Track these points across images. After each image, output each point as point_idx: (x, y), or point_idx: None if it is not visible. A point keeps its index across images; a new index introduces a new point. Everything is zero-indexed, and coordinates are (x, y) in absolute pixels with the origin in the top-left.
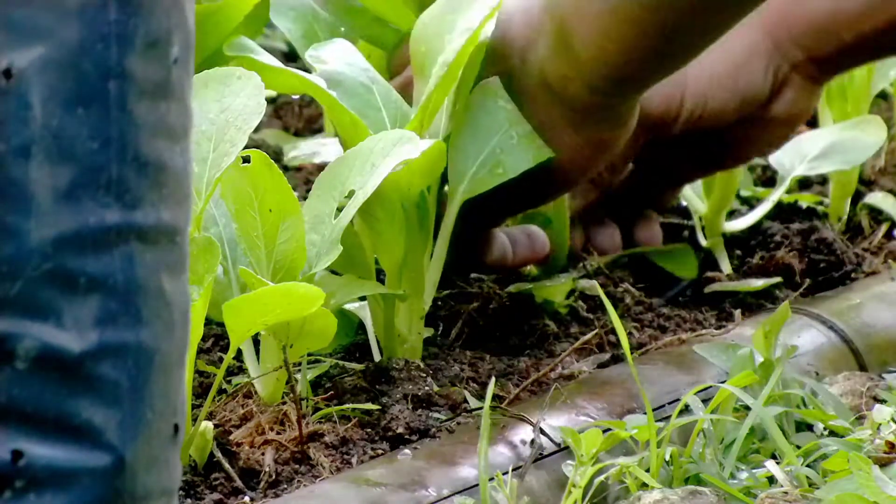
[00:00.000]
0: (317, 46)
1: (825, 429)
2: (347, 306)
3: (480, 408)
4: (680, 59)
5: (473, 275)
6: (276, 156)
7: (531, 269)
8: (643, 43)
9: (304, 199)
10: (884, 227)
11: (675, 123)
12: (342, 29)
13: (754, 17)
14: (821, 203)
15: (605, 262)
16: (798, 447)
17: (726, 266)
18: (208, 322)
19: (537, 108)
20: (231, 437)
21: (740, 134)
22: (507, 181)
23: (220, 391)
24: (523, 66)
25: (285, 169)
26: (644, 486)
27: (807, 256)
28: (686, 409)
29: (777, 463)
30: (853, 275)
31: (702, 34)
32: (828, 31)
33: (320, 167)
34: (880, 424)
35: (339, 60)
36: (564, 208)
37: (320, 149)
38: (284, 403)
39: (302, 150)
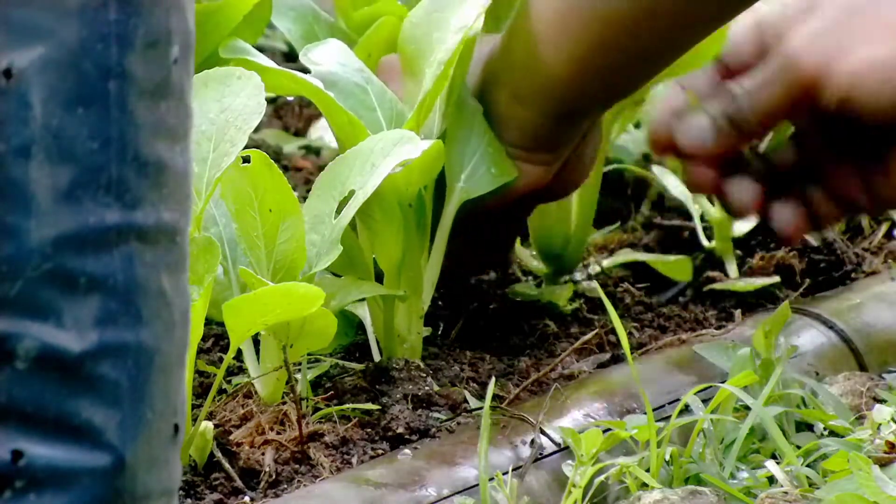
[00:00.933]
0: (310, 47)
1: (825, 429)
2: (347, 306)
3: (480, 408)
4: (632, 82)
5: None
6: (276, 156)
7: (538, 267)
8: (589, 60)
9: (304, 199)
10: (884, 227)
11: (823, 93)
12: (343, 29)
13: None
14: None
15: (609, 266)
16: (798, 447)
17: (734, 270)
18: (208, 322)
19: (499, 134)
20: (231, 437)
21: None
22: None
23: (220, 391)
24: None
25: (285, 169)
26: (644, 486)
27: (807, 256)
28: (686, 409)
29: (777, 463)
30: (853, 275)
31: (649, 60)
32: None
33: (320, 167)
34: (880, 424)
35: (332, 61)
36: (589, 208)
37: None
38: (284, 403)
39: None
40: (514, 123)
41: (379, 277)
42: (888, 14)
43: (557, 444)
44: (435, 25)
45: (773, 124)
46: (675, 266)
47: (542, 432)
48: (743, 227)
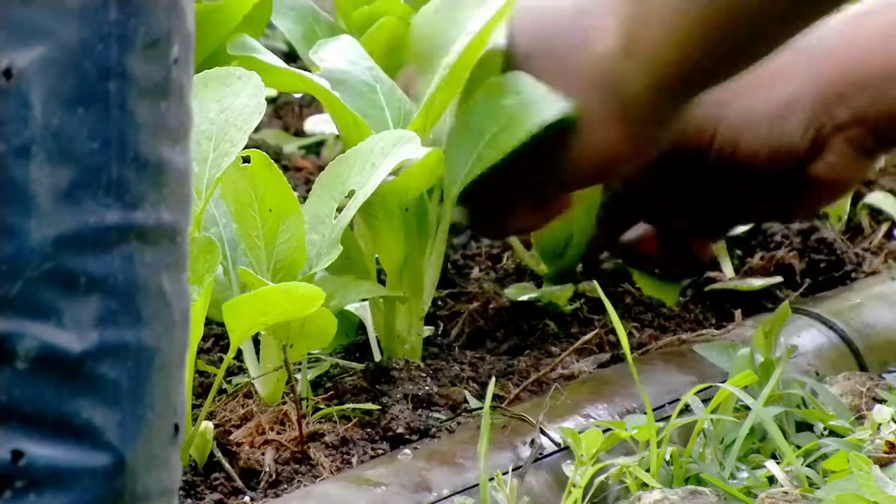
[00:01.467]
0: (320, 45)
1: (825, 429)
2: (347, 306)
3: (480, 408)
4: (747, 62)
5: (473, 275)
6: (276, 156)
7: (539, 267)
8: (712, 44)
9: (304, 198)
10: (884, 227)
11: (708, 151)
12: (343, 29)
13: (804, 68)
14: None
15: (609, 266)
16: (798, 447)
17: (729, 270)
18: (208, 322)
19: (590, 102)
20: (231, 437)
21: (782, 188)
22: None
23: (221, 391)
24: (573, 60)
25: (285, 169)
26: (644, 486)
27: (807, 256)
28: (686, 409)
29: (777, 463)
30: (853, 275)
31: (770, 39)
32: (879, 92)
33: (320, 167)
34: (880, 424)
35: (342, 59)
36: (591, 207)
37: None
38: (284, 403)
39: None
40: (649, 108)
41: (381, 278)
42: (759, 70)
43: (557, 444)
44: (448, 24)
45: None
46: (662, 288)
47: (543, 432)
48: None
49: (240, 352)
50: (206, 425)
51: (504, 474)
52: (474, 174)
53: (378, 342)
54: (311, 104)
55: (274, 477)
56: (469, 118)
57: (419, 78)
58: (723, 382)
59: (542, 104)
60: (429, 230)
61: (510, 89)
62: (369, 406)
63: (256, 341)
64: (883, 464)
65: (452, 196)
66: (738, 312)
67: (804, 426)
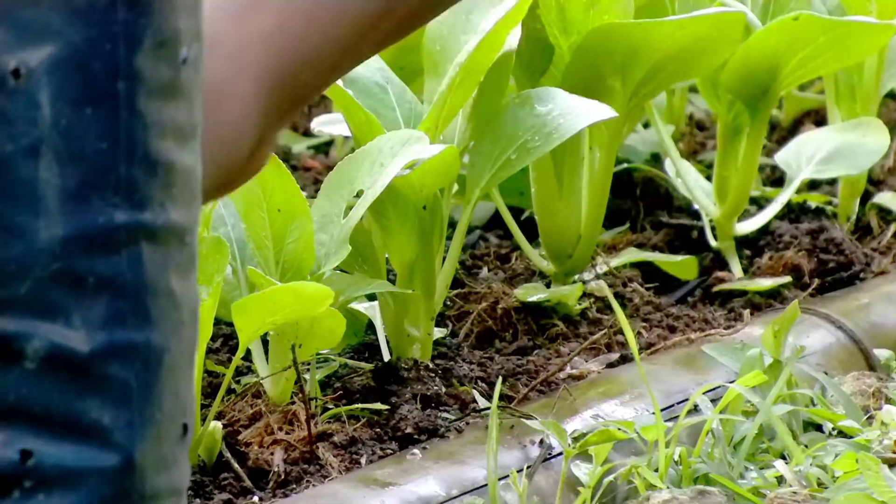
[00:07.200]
0: None
1: (834, 428)
2: (357, 306)
3: (489, 408)
4: None
5: (482, 276)
6: (285, 156)
7: (547, 267)
8: None
9: (313, 198)
10: (893, 227)
11: None
12: None
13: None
14: (830, 203)
15: (617, 266)
16: (806, 447)
17: (738, 269)
18: (217, 322)
19: None
20: (240, 437)
21: None
22: None
23: (229, 391)
24: None
25: (294, 169)
26: (653, 485)
27: (816, 256)
28: (695, 409)
29: (786, 463)
30: (862, 275)
31: None
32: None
33: (329, 167)
34: (888, 424)
35: None
36: (599, 208)
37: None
38: (293, 403)
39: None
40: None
41: (391, 278)
42: None
43: (567, 444)
44: (461, 27)
45: None
46: (682, 265)
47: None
48: (745, 226)
49: (248, 352)
50: (215, 425)
51: (518, 472)
52: (500, 178)
53: (387, 342)
54: (318, 104)
55: (283, 477)
56: (497, 125)
57: (429, 78)
58: (731, 382)
59: (578, 112)
60: (443, 229)
61: (544, 97)
62: (378, 406)
63: (265, 341)
64: (892, 464)
65: (474, 198)
66: (746, 312)
67: (811, 426)
